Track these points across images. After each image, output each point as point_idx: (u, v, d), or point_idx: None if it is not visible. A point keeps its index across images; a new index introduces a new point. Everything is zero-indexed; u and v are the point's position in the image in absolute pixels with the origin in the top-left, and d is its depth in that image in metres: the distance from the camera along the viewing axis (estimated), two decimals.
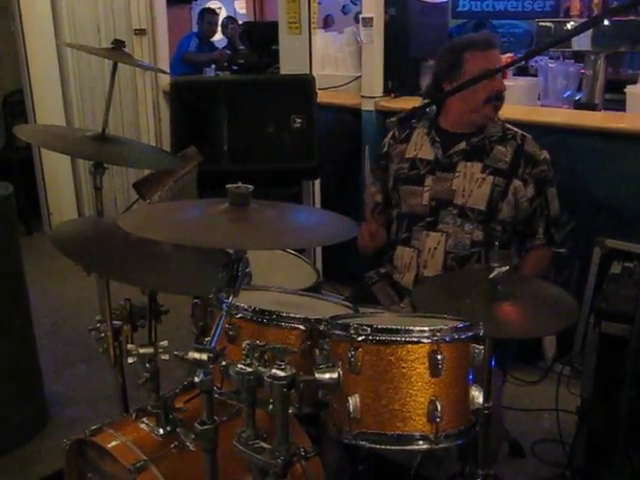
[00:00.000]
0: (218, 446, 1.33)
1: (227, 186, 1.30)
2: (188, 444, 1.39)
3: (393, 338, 1.31)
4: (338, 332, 1.37)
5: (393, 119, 1.98)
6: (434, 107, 2.37)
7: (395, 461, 2.29)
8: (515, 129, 2.34)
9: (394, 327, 1.32)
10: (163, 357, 1.66)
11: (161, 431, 1.63)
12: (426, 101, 2.18)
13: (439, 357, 1.30)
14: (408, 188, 2.35)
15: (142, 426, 1.67)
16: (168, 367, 1.69)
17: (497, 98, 2.27)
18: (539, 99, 3.56)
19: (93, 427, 1.65)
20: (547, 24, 3.63)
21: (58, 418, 2.87)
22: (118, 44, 1.91)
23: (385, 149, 2.48)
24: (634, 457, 1.97)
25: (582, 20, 3.49)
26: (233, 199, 1.30)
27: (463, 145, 2.29)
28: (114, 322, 1.88)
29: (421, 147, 2.36)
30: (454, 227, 2.24)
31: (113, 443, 1.61)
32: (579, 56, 3.55)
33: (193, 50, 6.65)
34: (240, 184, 1.30)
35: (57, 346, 3.38)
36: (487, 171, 2.25)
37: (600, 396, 2.14)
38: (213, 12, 7.41)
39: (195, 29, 7.46)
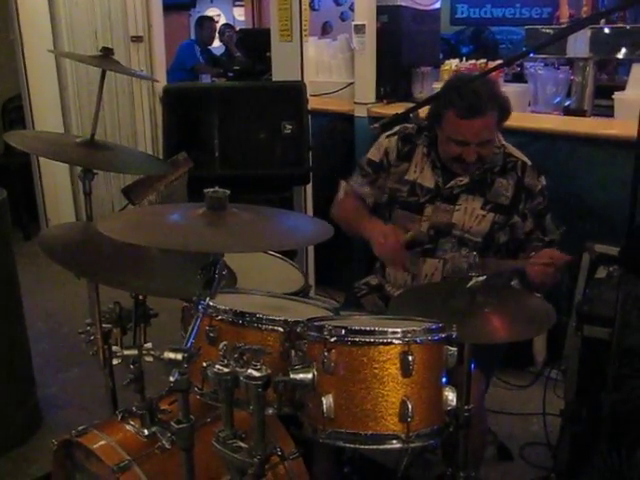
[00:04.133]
0: (197, 446, 1.36)
1: (204, 190, 1.33)
2: (164, 442, 1.42)
3: (365, 339, 1.34)
4: (313, 333, 1.40)
5: (377, 125, 2.02)
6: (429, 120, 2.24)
7: (381, 463, 2.31)
8: (516, 155, 2.27)
9: (366, 328, 1.35)
10: (147, 359, 1.69)
11: (146, 432, 1.65)
12: (411, 106, 2.17)
13: (410, 358, 1.32)
14: (405, 214, 2.27)
15: (127, 427, 1.69)
16: (159, 370, 1.71)
17: (463, 161, 2.15)
18: (529, 105, 3.59)
19: (80, 428, 1.68)
20: (538, 30, 3.65)
21: (51, 421, 2.89)
22: (106, 51, 1.94)
23: (388, 159, 2.33)
24: (616, 459, 1.99)
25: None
26: (210, 203, 1.33)
27: (466, 180, 2.22)
28: (104, 325, 1.89)
29: (422, 170, 2.28)
30: (452, 253, 2.23)
31: (98, 444, 1.64)
32: (572, 62, 3.58)
33: (203, 62, 6.70)
34: (217, 189, 1.33)
35: (51, 349, 3.41)
36: (488, 207, 2.21)
37: (583, 398, 2.16)
38: (211, 19, 7.48)
39: (192, 36, 7.53)
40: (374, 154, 2.39)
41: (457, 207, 2.23)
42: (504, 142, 2.28)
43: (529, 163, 2.26)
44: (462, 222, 2.22)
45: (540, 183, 2.24)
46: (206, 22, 7.23)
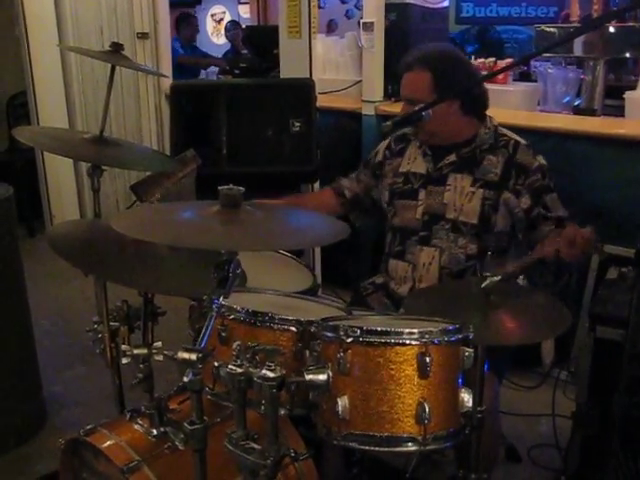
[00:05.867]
0: (207, 446, 1.34)
1: (219, 188, 1.31)
2: (177, 443, 1.40)
3: (382, 340, 1.32)
4: (328, 334, 1.38)
5: (388, 123, 2.01)
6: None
7: (390, 464, 2.29)
8: (509, 135, 2.27)
9: (383, 329, 1.33)
10: (157, 358, 1.67)
11: (155, 432, 1.62)
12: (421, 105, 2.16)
13: (427, 359, 1.30)
14: (403, 202, 2.32)
15: (136, 427, 1.67)
16: (166, 369, 1.70)
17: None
18: (539, 104, 3.57)
19: (88, 427, 1.66)
20: (548, 29, 3.63)
21: (56, 419, 2.88)
22: (116, 47, 1.92)
23: (379, 159, 2.44)
24: (629, 462, 1.97)
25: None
26: (225, 201, 1.31)
27: (453, 157, 2.25)
28: (111, 323, 1.88)
29: (414, 160, 2.34)
30: (447, 242, 2.22)
31: (107, 443, 1.62)
32: (582, 62, 3.56)
33: (184, 53, 6.67)
34: (232, 186, 1.31)
35: (56, 347, 3.39)
36: (477, 184, 2.21)
37: (595, 401, 2.14)
38: (194, 17, 7.45)
39: (200, 32, 7.51)
40: (376, 153, 2.49)
41: (447, 187, 2.24)
42: (497, 124, 2.30)
43: (523, 142, 2.25)
44: (453, 201, 2.22)
45: (537, 161, 2.20)
46: (191, 19, 7.19)
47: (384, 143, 2.46)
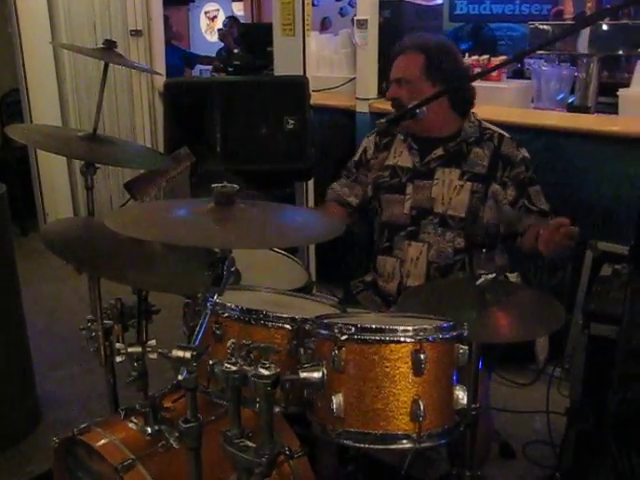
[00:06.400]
0: (202, 445, 1.34)
1: (212, 185, 1.31)
2: (172, 442, 1.40)
3: (376, 337, 1.31)
4: (323, 331, 1.37)
5: (382, 120, 2.01)
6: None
7: (385, 461, 2.29)
8: (493, 128, 2.30)
9: (378, 326, 1.33)
10: (151, 356, 1.67)
11: (149, 430, 1.62)
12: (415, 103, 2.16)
13: (422, 356, 1.30)
14: (390, 197, 2.33)
15: (130, 425, 1.66)
16: (160, 367, 1.69)
17: (392, 103, 2.31)
18: (532, 102, 3.57)
19: (82, 426, 1.66)
20: (541, 26, 3.64)
21: (51, 418, 2.87)
22: (109, 44, 1.91)
23: (366, 155, 2.44)
24: (623, 458, 1.98)
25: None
26: (218, 198, 1.31)
27: (440, 151, 2.26)
28: (105, 322, 1.87)
29: (400, 154, 2.35)
30: (435, 236, 2.23)
31: (101, 442, 1.61)
32: (575, 59, 3.56)
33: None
34: (226, 183, 1.31)
35: (50, 346, 3.38)
36: (465, 177, 2.22)
37: (589, 397, 2.14)
38: (167, 17, 7.42)
39: (193, 30, 7.46)
40: (356, 154, 2.50)
41: (435, 181, 2.25)
42: (480, 118, 2.33)
43: (507, 135, 2.28)
44: (441, 195, 2.23)
45: (521, 153, 2.24)
46: (166, 20, 7.14)
47: (370, 138, 2.47)
